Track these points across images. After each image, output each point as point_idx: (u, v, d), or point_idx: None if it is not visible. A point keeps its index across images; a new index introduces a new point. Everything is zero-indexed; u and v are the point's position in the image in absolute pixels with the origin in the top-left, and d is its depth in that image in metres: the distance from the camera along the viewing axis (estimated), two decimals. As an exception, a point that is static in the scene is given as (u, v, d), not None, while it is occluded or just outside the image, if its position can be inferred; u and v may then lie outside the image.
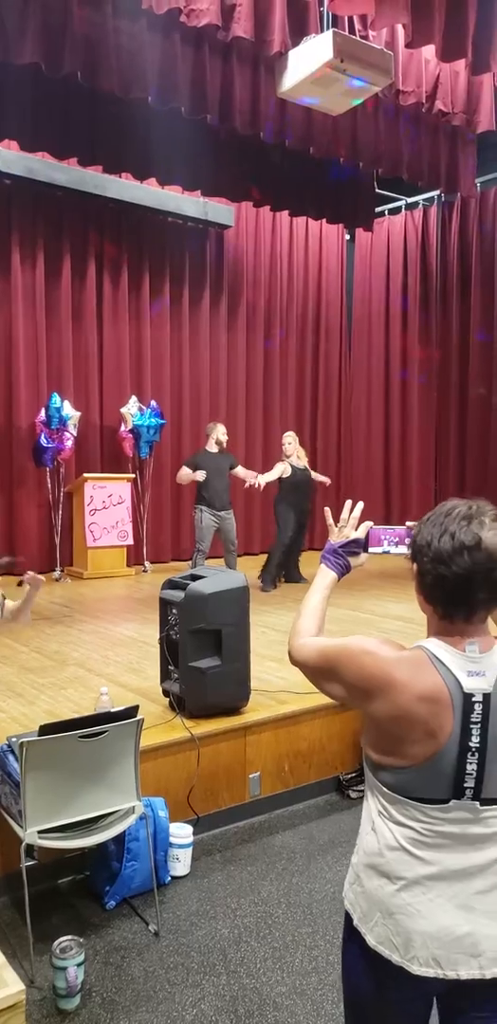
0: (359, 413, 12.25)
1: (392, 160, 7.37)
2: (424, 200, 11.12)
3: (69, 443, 8.77)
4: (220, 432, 8.12)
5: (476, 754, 1.52)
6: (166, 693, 4.38)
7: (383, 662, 1.58)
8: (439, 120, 7.24)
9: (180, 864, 3.68)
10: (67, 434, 8.73)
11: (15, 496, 9.09)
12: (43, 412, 8.72)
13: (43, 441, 8.67)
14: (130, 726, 3.11)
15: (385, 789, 1.60)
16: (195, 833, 3.80)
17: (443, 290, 11.12)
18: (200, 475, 7.80)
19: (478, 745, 1.52)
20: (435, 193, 10.68)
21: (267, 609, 6.85)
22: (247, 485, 8.26)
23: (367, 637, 1.67)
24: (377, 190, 9.77)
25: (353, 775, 4.63)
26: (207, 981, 2.95)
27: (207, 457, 8.01)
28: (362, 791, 4.49)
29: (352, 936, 1.67)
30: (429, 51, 6.33)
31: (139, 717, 3.15)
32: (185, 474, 7.99)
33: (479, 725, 1.52)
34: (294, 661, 1.80)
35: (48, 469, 8.87)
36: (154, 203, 9.59)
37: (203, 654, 4.18)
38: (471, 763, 1.52)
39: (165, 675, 4.39)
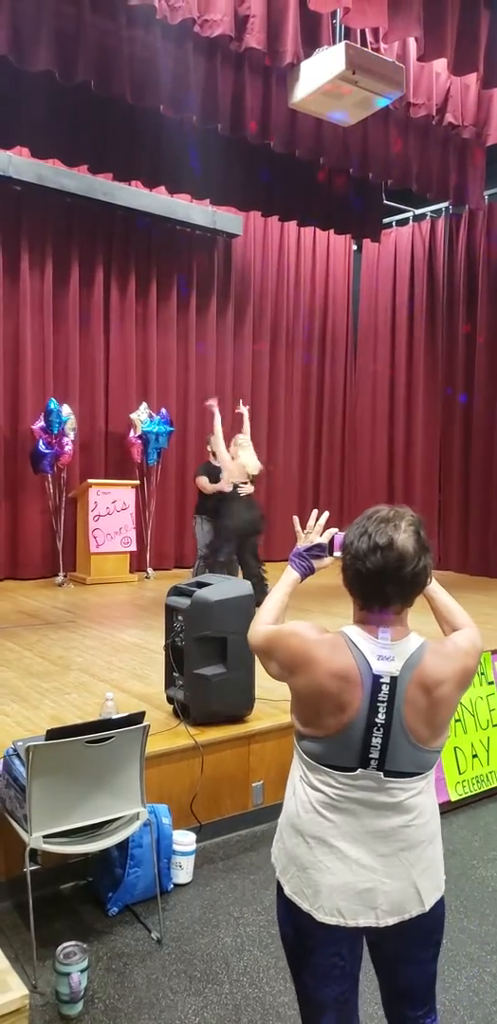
0: (364, 423, 12.26)
1: (401, 172, 7.40)
2: (432, 212, 11.15)
3: (68, 448, 8.74)
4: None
5: (381, 729, 1.72)
6: (170, 700, 4.38)
7: (306, 642, 1.79)
8: (449, 132, 7.27)
9: (183, 871, 3.67)
10: (66, 439, 8.70)
11: (20, 501, 9.11)
12: (42, 418, 8.70)
13: (41, 447, 8.66)
14: (136, 732, 3.11)
15: (306, 756, 1.81)
16: (198, 841, 3.79)
17: (449, 302, 11.13)
18: (227, 485, 7.64)
19: (383, 721, 1.71)
20: (443, 205, 10.71)
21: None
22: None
23: (298, 622, 1.89)
24: (385, 201, 9.80)
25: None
26: (210, 990, 2.94)
27: (212, 468, 8.01)
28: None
29: (278, 888, 1.89)
30: (440, 64, 6.37)
31: (145, 723, 3.15)
32: (205, 483, 7.91)
33: (385, 704, 1.71)
34: (250, 646, 2.03)
35: (50, 475, 8.85)
36: (163, 211, 9.63)
37: (208, 661, 4.18)
38: (376, 737, 1.72)
39: (170, 682, 4.38)
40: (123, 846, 3.35)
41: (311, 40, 5.54)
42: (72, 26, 5.54)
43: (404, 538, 1.71)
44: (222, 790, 4.16)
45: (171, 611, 4.33)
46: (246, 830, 4.21)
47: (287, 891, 1.82)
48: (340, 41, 5.39)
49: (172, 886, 3.61)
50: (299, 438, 11.67)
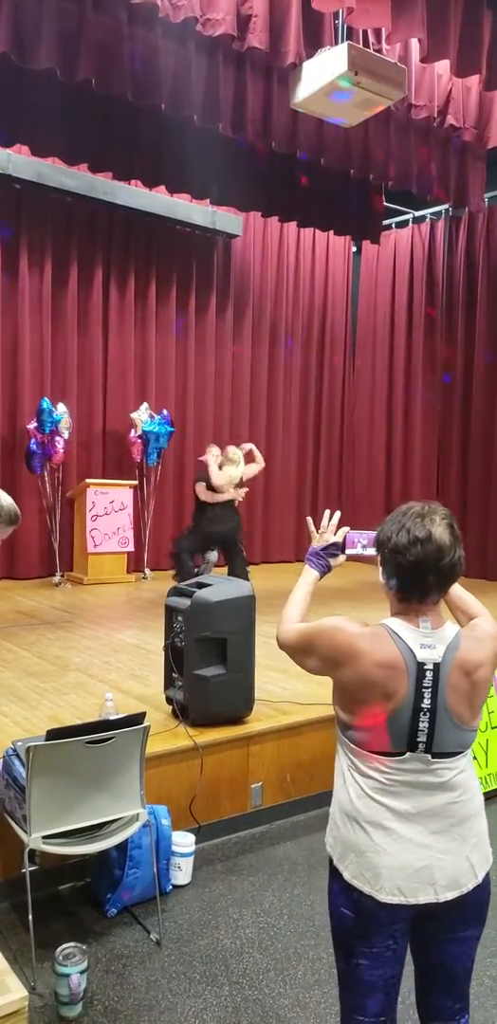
0: (362, 425, 12.26)
1: (402, 173, 7.38)
2: (431, 214, 11.15)
3: (61, 447, 8.68)
4: (214, 454, 8.07)
5: (427, 714, 1.82)
6: (170, 701, 4.36)
7: (350, 636, 1.89)
8: (450, 134, 7.27)
9: (182, 873, 3.65)
10: (58, 438, 8.66)
11: (17, 501, 8.90)
12: (35, 417, 8.67)
13: (32, 446, 8.63)
14: (136, 733, 3.10)
15: (352, 745, 1.90)
16: (196, 842, 3.77)
17: (448, 304, 11.14)
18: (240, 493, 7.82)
19: (429, 706, 1.82)
20: (443, 207, 10.71)
21: (270, 620, 6.82)
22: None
23: (336, 617, 1.97)
24: (385, 203, 9.79)
25: (355, 788, 4.61)
26: (209, 991, 2.93)
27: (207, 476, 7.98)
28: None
29: (334, 875, 1.95)
30: (442, 66, 6.36)
31: (146, 724, 3.13)
32: (202, 489, 7.88)
33: (430, 689, 1.82)
34: (280, 644, 2.13)
35: (44, 474, 8.80)
36: (163, 211, 9.60)
37: (208, 662, 4.17)
38: (423, 721, 1.82)
39: (169, 682, 4.37)
40: (122, 847, 3.33)
41: (313, 40, 5.53)
42: (73, 24, 5.52)
43: (440, 531, 1.83)
44: (221, 791, 4.15)
45: (171, 612, 4.32)
46: (245, 832, 4.20)
47: (347, 876, 1.89)
48: (343, 42, 5.38)
49: (171, 887, 3.59)
50: (297, 438, 11.65)
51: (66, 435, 8.74)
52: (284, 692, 4.91)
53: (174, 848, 3.61)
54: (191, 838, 3.72)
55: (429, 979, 1.99)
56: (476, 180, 8.01)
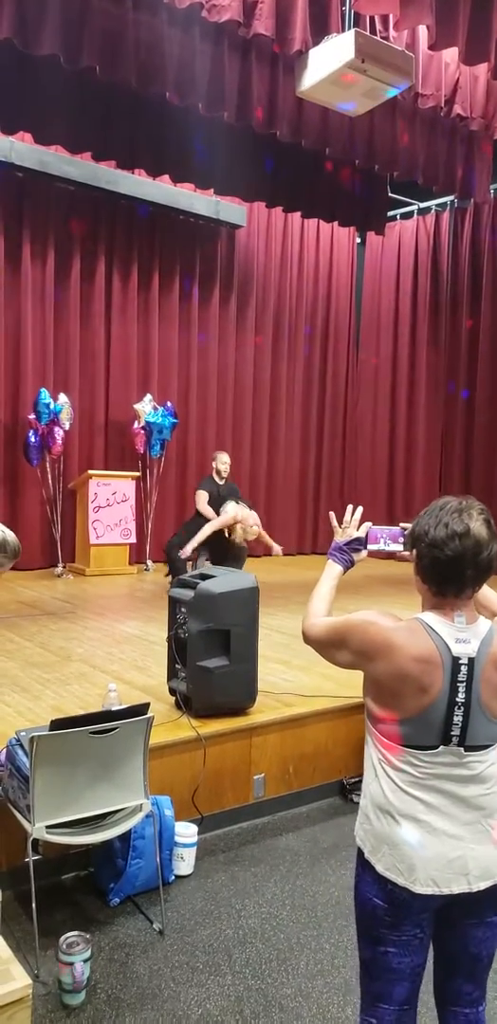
0: (365, 416, 12.23)
1: (408, 163, 7.34)
2: (437, 206, 11.11)
3: (60, 438, 8.65)
4: (220, 462, 7.99)
5: (462, 707, 1.82)
6: (173, 692, 4.35)
7: (384, 629, 1.88)
8: (456, 124, 7.22)
9: (184, 863, 3.65)
10: (58, 429, 8.63)
11: (19, 492, 9.07)
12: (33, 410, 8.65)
13: (30, 437, 8.61)
14: (140, 723, 3.09)
15: (385, 739, 1.90)
16: (199, 833, 3.77)
17: (453, 296, 11.10)
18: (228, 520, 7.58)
19: (463, 700, 1.82)
20: (448, 199, 10.65)
21: (273, 612, 6.83)
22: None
23: (368, 611, 1.98)
24: (390, 194, 9.74)
25: (356, 779, 4.60)
26: (212, 981, 2.92)
27: (213, 484, 7.91)
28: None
29: (365, 867, 1.97)
30: (449, 54, 6.32)
31: (149, 715, 3.12)
32: (205, 505, 7.79)
33: (465, 684, 1.82)
34: (307, 639, 2.13)
35: (44, 464, 8.78)
36: (166, 200, 9.57)
37: (211, 654, 4.15)
38: (457, 715, 1.83)
39: (172, 674, 4.36)
40: (125, 837, 3.33)
41: (320, 27, 5.48)
42: (77, 10, 5.47)
43: (478, 525, 1.83)
44: (224, 782, 4.14)
45: (175, 603, 4.30)
46: (247, 822, 4.19)
47: (380, 868, 1.91)
48: (350, 29, 5.34)
49: (173, 878, 3.59)
50: (300, 430, 11.64)
51: (67, 426, 8.71)
52: (287, 684, 4.90)
53: (177, 838, 3.61)
54: (194, 829, 3.71)
55: (453, 964, 2.00)
56: (482, 171, 7.96)
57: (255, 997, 2.85)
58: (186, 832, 3.66)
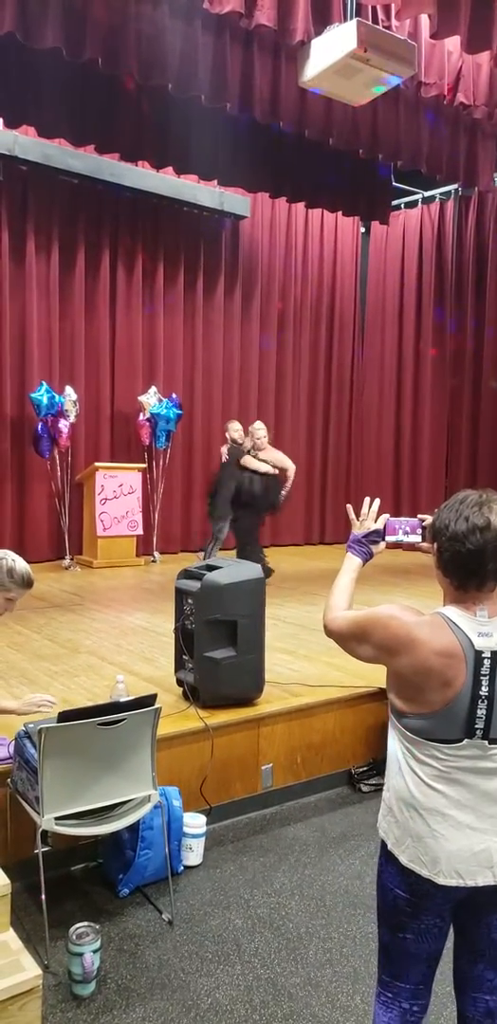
0: (371, 406, 12.22)
1: (411, 153, 7.30)
2: (441, 194, 11.06)
3: (65, 430, 8.68)
4: (232, 430, 8.20)
5: (485, 701, 1.83)
6: (180, 683, 4.38)
7: (406, 624, 1.89)
8: (460, 113, 7.18)
9: (193, 854, 3.68)
10: (63, 421, 8.66)
11: (27, 484, 9.11)
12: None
13: (39, 430, 8.64)
14: (148, 715, 3.11)
15: (408, 733, 1.91)
16: (208, 823, 3.80)
17: (458, 285, 11.06)
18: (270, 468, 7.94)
19: (487, 694, 1.83)
20: (452, 187, 10.61)
21: (279, 602, 6.84)
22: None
23: (390, 605, 1.98)
24: (394, 183, 9.70)
25: (365, 769, 4.62)
26: (221, 971, 2.95)
27: (236, 451, 8.10)
28: (373, 785, 4.51)
29: (389, 859, 1.99)
30: (451, 43, 6.27)
31: (157, 706, 3.14)
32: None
33: (488, 677, 1.83)
34: (329, 632, 2.12)
35: (54, 457, 8.81)
36: (170, 192, 9.55)
37: (218, 644, 4.17)
38: (481, 708, 1.83)
39: (179, 664, 4.38)
40: (134, 828, 3.35)
41: (322, 18, 5.45)
42: (79, 3, 5.45)
43: None
44: (232, 773, 4.16)
45: (181, 594, 4.32)
46: (255, 813, 4.22)
47: (404, 860, 1.93)
48: (352, 18, 5.31)
49: (182, 868, 3.62)
50: (306, 420, 11.62)
51: (72, 418, 8.73)
52: (294, 674, 4.92)
53: (185, 829, 3.64)
54: (202, 819, 3.74)
55: (475, 951, 2.02)
56: (486, 159, 7.91)
57: (264, 986, 2.87)
58: (194, 823, 3.69)
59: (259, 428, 8.22)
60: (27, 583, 3.03)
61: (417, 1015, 2.03)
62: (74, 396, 8.79)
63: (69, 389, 8.79)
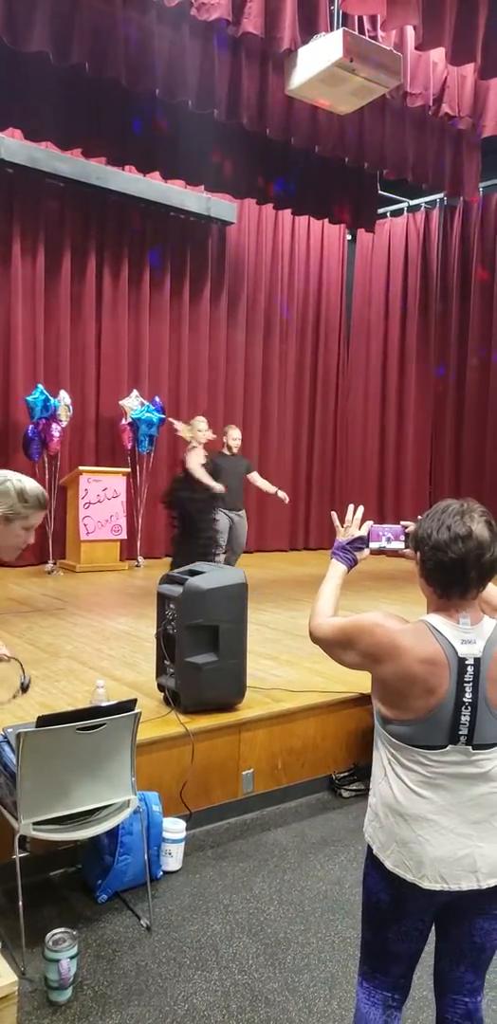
0: (356, 412, 12.27)
1: (397, 161, 7.37)
2: (426, 203, 11.14)
3: (57, 434, 8.68)
4: (231, 437, 8.10)
5: (469, 707, 1.85)
6: (161, 688, 4.37)
7: (391, 632, 1.91)
8: (445, 123, 7.25)
9: (172, 859, 3.67)
10: (55, 425, 8.65)
11: (10, 487, 9.05)
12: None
13: (30, 433, 8.62)
14: (127, 719, 3.10)
15: (393, 739, 1.93)
16: (187, 828, 3.79)
17: (443, 293, 11.14)
18: (218, 487, 7.67)
19: (470, 700, 1.85)
20: (437, 196, 10.69)
21: (262, 607, 6.85)
22: (272, 492, 8.27)
23: (375, 612, 2.00)
24: (380, 191, 9.77)
25: (345, 774, 4.63)
26: (199, 976, 2.94)
27: (223, 460, 7.99)
28: (354, 791, 4.52)
29: (374, 863, 2.02)
30: (437, 54, 6.34)
31: (136, 711, 3.14)
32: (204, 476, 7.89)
33: (471, 684, 1.85)
34: (314, 638, 2.15)
35: (41, 461, 8.79)
36: (157, 197, 9.57)
37: (200, 650, 4.17)
38: (465, 715, 1.86)
39: (161, 670, 4.37)
40: (113, 833, 3.34)
41: (309, 27, 5.50)
42: (67, 7, 5.48)
43: (480, 527, 1.87)
44: (212, 778, 4.16)
45: (163, 599, 4.32)
46: (236, 818, 4.21)
47: (389, 865, 1.96)
48: (338, 28, 5.35)
49: (161, 873, 3.60)
50: (292, 425, 11.66)
51: (64, 423, 8.72)
52: (276, 679, 4.92)
53: (165, 834, 3.62)
54: (182, 824, 3.73)
55: (457, 953, 2.05)
56: (471, 169, 8.00)
57: (242, 992, 2.87)
58: (174, 828, 3.68)
59: (200, 421, 7.83)
60: (42, 504, 2.58)
61: (398, 1001, 2.09)
62: (68, 400, 8.79)
63: (63, 393, 8.80)
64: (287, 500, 8.48)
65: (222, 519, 7.83)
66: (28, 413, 8.62)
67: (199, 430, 7.65)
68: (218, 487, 7.39)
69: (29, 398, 8.58)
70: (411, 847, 1.92)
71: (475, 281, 10.59)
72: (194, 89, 6.12)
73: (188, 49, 5.96)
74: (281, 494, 8.35)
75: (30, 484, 2.55)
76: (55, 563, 8.97)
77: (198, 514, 7.35)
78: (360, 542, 2.27)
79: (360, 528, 2.29)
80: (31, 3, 5.33)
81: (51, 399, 8.64)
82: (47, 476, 8.88)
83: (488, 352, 10.47)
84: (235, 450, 8.08)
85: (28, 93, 6.38)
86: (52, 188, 9.04)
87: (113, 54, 5.72)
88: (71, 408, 8.81)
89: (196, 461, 7.41)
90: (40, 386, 8.69)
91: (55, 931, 2.87)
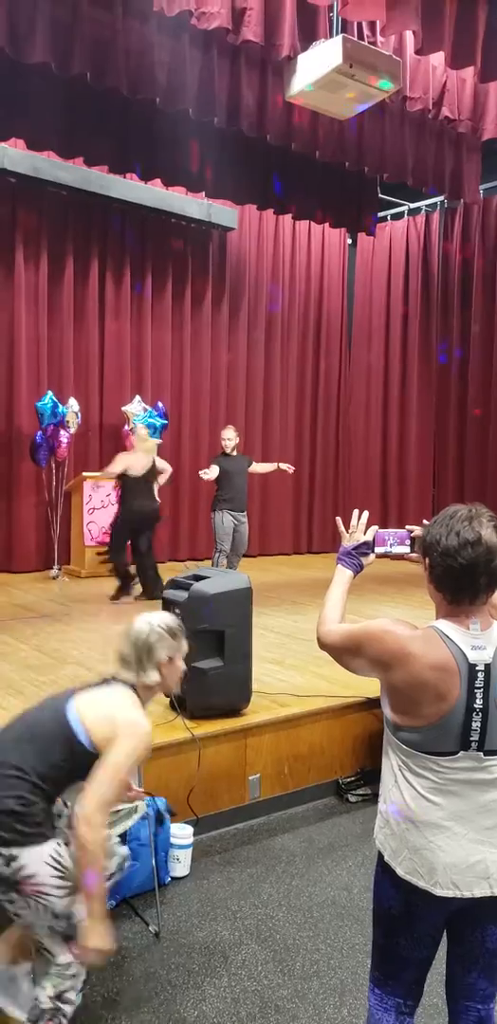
0: (358, 416, 12.27)
1: (397, 165, 7.38)
2: (427, 206, 11.15)
3: (65, 441, 8.71)
4: (224, 437, 8.08)
5: (480, 713, 1.85)
6: (167, 693, 4.37)
7: (400, 638, 1.90)
8: (445, 127, 7.26)
9: (180, 865, 3.68)
10: (63, 432, 8.69)
11: (14, 494, 9.09)
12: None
13: (38, 438, 8.66)
14: (134, 726, 3.10)
15: (404, 746, 1.92)
16: (195, 834, 3.80)
17: (444, 296, 11.14)
18: (213, 471, 7.79)
19: (481, 706, 1.85)
20: (438, 199, 10.70)
21: (267, 612, 6.86)
22: (274, 468, 8.33)
23: (384, 619, 1.99)
24: (380, 195, 9.78)
25: (352, 779, 4.63)
26: (208, 983, 2.95)
27: (227, 461, 8.01)
28: (361, 795, 4.52)
29: (385, 870, 2.01)
30: (436, 58, 6.35)
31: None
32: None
33: (482, 690, 1.84)
34: (322, 645, 2.14)
35: (48, 467, 8.84)
36: (158, 204, 9.58)
37: (205, 655, 4.18)
38: (476, 721, 1.85)
39: (167, 676, 4.38)
40: (121, 839, 3.34)
41: (308, 33, 5.52)
42: (68, 18, 5.50)
43: (488, 532, 1.86)
44: (219, 783, 4.17)
45: (168, 604, 4.33)
46: (243, 823, 4.22)
47: (400, 872, 1.95)
48: (337, 34, 5.37)
49: (169, 879, 3.62)
50: (294, 429, 11.66)
51: (73, 429, 8.77)
52: (281, 684, 4.93)
53: (172, 840, 3.64)
54: (189, 830, 3.74)
55: (469, 960, 2.04)
56: (471, 172, 8.01)
57: (251, 999, 2.87)
58: (182, 834, 3.69)
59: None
60: (183, 627, 2.78)
61: (411, 1008, 2.08)
62: (76, 407, 8.84)
63: (72, 400, 8.85)
64: (292, 470, 8.45)
65: (227, 521, 7.85)
66: (36, 419, 8.68)
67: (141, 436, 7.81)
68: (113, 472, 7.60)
69: (39, 404, 8.63)
70: (423, 854, 1.91)
71: (476, 283, 10.60)
72: (194, 97, 6.14)
73: (188, 58, 5.98)
74: (283, 465, 8.33)
75: (166, 618, 2.73)
76: (60, 568, 8.99)
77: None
78: (365, 547, 2.27)
79: (365, 533, 2.29)
80: (33, 15, 5.35)
81: (60, 406, 8.69)
82: (54, 482, 8.92)
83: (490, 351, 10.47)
84: (231, 450, 8.03)
85: (30, 103, 6.40)
86: (55, 196, 9.07)
87: (114, 64, 5.74)
88: (79, 415, 8.86)
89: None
90: (50, 392, 8.74)
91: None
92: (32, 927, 2.40)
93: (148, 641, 2.60)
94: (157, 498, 7.80)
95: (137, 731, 2.43)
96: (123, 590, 7.65)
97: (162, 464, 7.94)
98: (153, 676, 2.59)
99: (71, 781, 2.42)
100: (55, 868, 2.30)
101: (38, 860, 2.28)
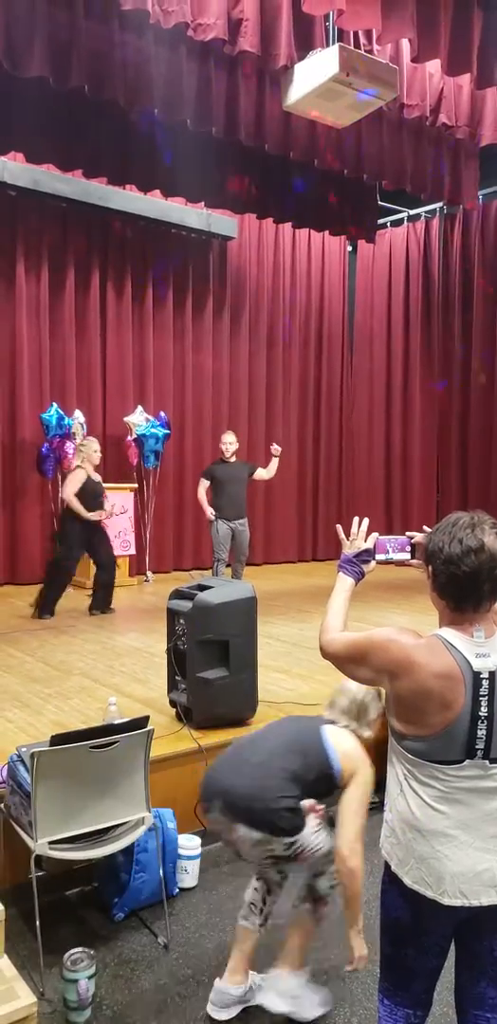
0: (361, 423, 12.28)
1: (396, 172, 7.41)
2: (426, 212, 11.18)
3: (71, 452, 8.75)
4: (223, 442, 8.07)
5: (485, 721, 1.84)
6: (173, 704, 4.37)
7: (405, 647, 1.90)
8: (442, 133, 7.29)
9: (188, 876, 3.66)
10: (69, 443, 8.73)
11: (19, 506, 9.11)
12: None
13: (44, 450, 8.70)
14: (140, 736, 3.11)
15: (409, 755, 1.92)
16: (203, 845, 3.78)
17: (445, 302, 11.16)
18: (209, 512, 7.83)
19: (486, 714, 1.84)
20: (437, 205, 10.73)
21: (272, 620, 6.86)
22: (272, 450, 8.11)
23: (388, 628, 1.98)
24: (379, 202, 9.82)
25: (359, 786, 4.61)
26: (217, 993, 2.93)
27: (220, 466, 7.99)
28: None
29: (392, 880, 2.00)
30: (433, 65, 6.38)
31: (149, 727, 3.14)
32: (200, 493, 8.05)
33: (487, 697, 1.84)
34: (325, 654, 2.13)
35: (55, 478, 8.86)
36: (158, 215, 9.64)
37: (210, 665, 4.18)
38: (481, 729, 1.84)
39: (172, 685, 4.38)
40: (128, 851, 3.34)
41: (305, 43, 5.55)
42: (65, 31, 5.54)
43: (491, 539, 1.86)
44: (226, 793, 4.15)
45: (173, 614, 4.33)
46: (250, 833, 4.19)
47: (408, 882, 1.94)
48: (333, 43, 5.40)
49: (178, 891, 3.60)
50: (297, 438, 11.67)
51: (79, 441, 8.79)
52: (288, 693, 4.92)
53: (180, 851, 3.62)
54: (197, 841, 3.73)
55: (478, 969, 2.02)
56: (470, 178, 8.03)
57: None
58: (189, 844, 3.68)
59: (92, 441, 7.67)
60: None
61: (420, 1018, 2.08)
62: (82, 419, 8.89)
63: (78, 412, 8.90)
64: (279, 450, 8.05)
65: (222, 529, 7.85)
66: (39, 430, 8.72)
67: (94, 451, 7.57)
68: (92, 517, 7.29)
69: (44, 415, 8.66)
70: (430, 863, 1.90)
71: (477, 288, 10.61)
72: (192, 108, 6.17)
73: (185, 69, 6.02)
74: (273, 448, 8.06)
75: (358, 689, 2.93)
76: (65, 580, 8.98)
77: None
78: (366, 554, 2.27)
79: (366, 540, 2.28)
80: (30, 29, 5.39)
81: (65, 417, 8.72)
82: (60, 494, 8.92)
83: (492, 359, 10.47)
84: (230, 455, 7.99)
85: (29, 117, 6.44)
86: (55, 209, 9.12)
87: (111, 76, 5.78)
88: (85, 427, 8.90)
89: (71, 488, 7.32)
90: (55, 404, 8.77)
91: (73, 951, 2.87)
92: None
93: (364, 701, 2.94)
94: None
95: (369, 772, 2.78)
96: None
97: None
98: (367, 733, 2.93)
99: (308, 795, 2.75)
100: (315, 835, 2.73)
101: (307, 836, 2.71)
